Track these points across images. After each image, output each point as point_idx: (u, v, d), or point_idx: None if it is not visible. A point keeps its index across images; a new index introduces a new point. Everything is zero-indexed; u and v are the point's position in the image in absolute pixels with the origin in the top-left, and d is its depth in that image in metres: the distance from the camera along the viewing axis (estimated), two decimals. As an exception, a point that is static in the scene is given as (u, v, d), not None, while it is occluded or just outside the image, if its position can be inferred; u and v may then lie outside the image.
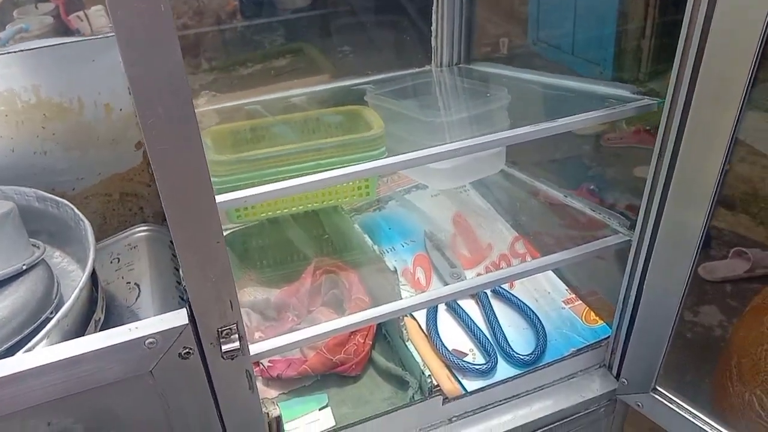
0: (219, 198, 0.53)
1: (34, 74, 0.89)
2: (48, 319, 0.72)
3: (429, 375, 0.82)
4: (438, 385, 0.83)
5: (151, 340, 0.53)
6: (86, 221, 0.81)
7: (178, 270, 0.89)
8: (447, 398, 0.83)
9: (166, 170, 0.47)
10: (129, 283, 0.89)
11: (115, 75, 0.93)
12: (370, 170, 0.70)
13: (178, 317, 0.54)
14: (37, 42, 0.94)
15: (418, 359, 0.84)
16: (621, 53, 1.25)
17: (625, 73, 1.25)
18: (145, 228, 0.99)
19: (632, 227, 0.79)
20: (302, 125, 0.93)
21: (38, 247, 0.80)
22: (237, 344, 0.56)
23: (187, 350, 0.55)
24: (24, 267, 0.74)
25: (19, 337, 0.69)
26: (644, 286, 0.76)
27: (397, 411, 0.81)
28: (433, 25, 1.04)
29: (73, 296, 0.69)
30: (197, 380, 0.58)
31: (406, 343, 0.86)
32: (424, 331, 0.91)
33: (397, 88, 1.02)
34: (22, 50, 0.87)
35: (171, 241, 0.87)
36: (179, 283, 0.87)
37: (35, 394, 0.53)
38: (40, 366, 0.52)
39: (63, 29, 1.68)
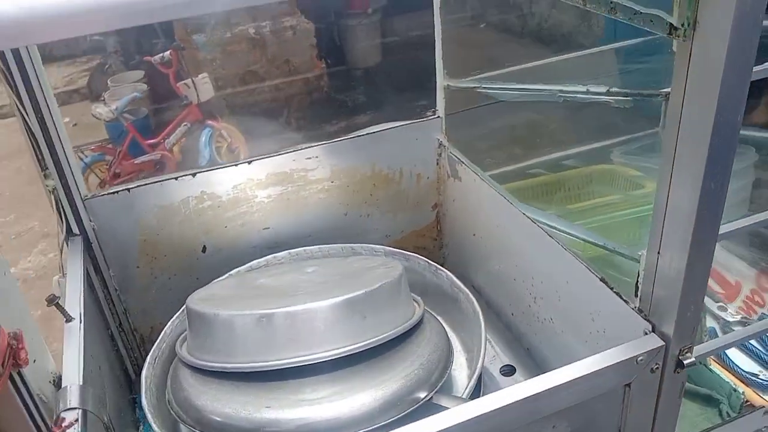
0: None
1: (373, 153, 1.06)
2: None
3: (742, 392, 0.95)
4: (748, 401, 0.96)
5: (641, 357, 0.68)
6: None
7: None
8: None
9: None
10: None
11: (429, 149, 1.10)
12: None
13: (653, 340, 0.69)
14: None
15: (729, 379, 0.97)
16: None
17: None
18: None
19: None
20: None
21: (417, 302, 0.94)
22: (693, 359, 0.70)
23: (657, 365, 0.70)
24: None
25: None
26: None
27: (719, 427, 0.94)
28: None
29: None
30: (652, 392, 0.72)
31: (709, 367, 1.00)
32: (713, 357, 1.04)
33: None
34: (368, 133, 1.04)
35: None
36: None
37: (550, 407, 0.67)
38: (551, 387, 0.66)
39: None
